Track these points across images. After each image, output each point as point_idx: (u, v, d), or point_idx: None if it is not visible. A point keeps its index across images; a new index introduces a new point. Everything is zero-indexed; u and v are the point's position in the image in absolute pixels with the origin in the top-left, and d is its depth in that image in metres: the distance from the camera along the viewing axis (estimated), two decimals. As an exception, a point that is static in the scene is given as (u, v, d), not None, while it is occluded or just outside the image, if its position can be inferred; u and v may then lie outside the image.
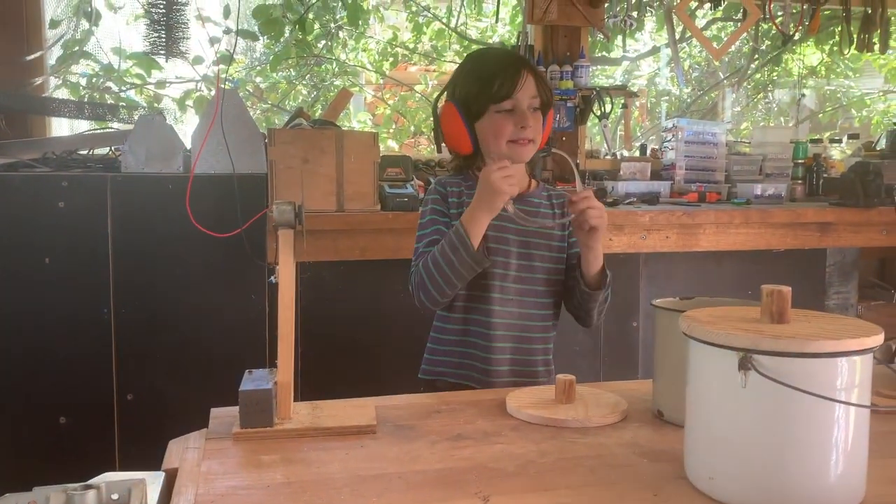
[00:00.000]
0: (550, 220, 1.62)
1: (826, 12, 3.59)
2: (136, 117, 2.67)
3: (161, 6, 2.70)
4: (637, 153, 3.50)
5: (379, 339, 2.42)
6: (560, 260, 1.62)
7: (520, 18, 4.69)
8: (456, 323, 1.58)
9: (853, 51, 3.50)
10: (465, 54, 5.87)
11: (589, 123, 3.35)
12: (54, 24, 3.45)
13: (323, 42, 5.40)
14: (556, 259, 1.62)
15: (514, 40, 3.96)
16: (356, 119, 6.34)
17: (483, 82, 1.50)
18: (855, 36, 3.41)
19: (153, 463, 1.06)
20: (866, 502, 0.88)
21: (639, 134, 6.28)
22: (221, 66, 2.80)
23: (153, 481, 0.91)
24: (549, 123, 1.59)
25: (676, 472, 0.96)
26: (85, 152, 2.58)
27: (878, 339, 0.85)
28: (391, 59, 6.12)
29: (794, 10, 3.30)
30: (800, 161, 3.19)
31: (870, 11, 3.36)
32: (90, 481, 0.81)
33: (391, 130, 6.30)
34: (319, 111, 5.47)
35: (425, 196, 1.61)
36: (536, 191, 1.64)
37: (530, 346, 1.60)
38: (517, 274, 1.57)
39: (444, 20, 5.61)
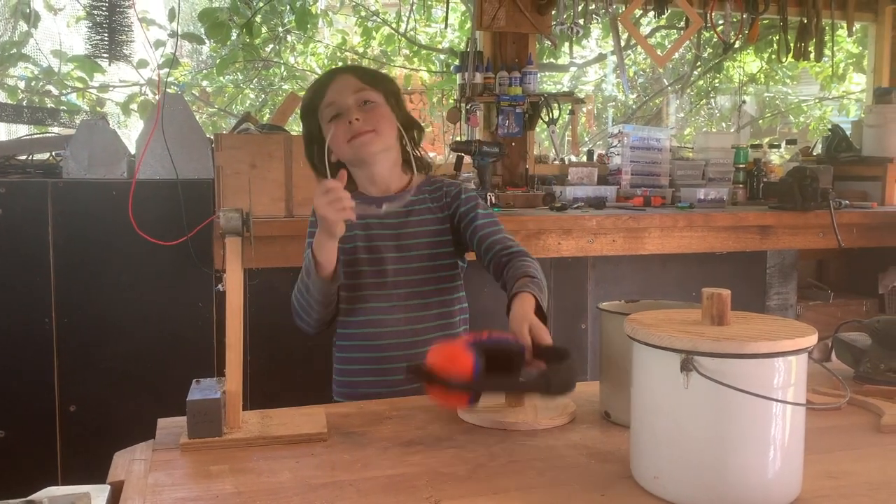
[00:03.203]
0: (429, 214, 1.54)
1: (764, 21, 3.71)
2: (77, 122, 2.61)
3: (103, 8, 2.65)
4: (584, 158, 3.55)
5: (329, 347, 2.42)
6: (446, 255, 1.54)
7: (469, 24, 4.72)
8: (349, 339, 1.54)
9: (790, 59, 3.62)
10: (414, 59, 5.91)
11: (537, 129, 3.40)
12: (-10, 25, 3.35)
13: (271, 46, 5.35)
14: (438, 255, 1.53)
15: (462, 46, 3.98)
16: (305, 123, 6.28)
17: (306, 101, 1.54)
18: (792, 44, 3.53)
19: (97, 476, 1.04)
20: (802, 496, 0.91)
21: (586, 139, 6.38)
22: (163, 71, 2.75)
23: (98, 495, 0.89)
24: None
25: (623, 473, 0.98)
26: (24, 158, 2.51)
27: (812, 340, 0.88)
28: (340, 64, 6.09)
29: (735, 19, 3.40)
30: (741, 166, 3.29)
31: (805, 21, 3.49)
32: (32, 496, 0.79)
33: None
34: (267, 115, 5.41)
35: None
36: (418, 187, 1.55)
37: (425, 349, 1.54)
38: (395, 279, 1.50)
39: (394, 25, 5.61)
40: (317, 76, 1.67)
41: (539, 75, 3.30)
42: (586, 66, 6.81)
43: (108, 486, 0.94)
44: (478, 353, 1.07)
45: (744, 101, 6.84)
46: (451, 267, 1.55)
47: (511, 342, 1.14)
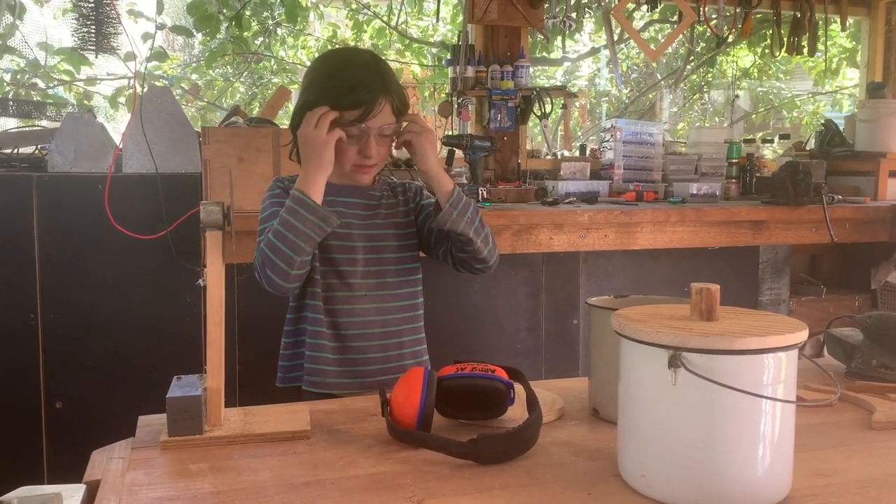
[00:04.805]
0: (397, 208, 1.55)
1: (758, 16, 3.69)
2: (64, 115, 2.58)
3: (90, 0, 2.62)
4: (577, 153, 3.53)
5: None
6: (411, 247, 1.56)
7: (460, 18, 4.69)
8: (317, 325, 1.49)
9: (784, 53, 3.61)
10: (406, 53, 5.88)
11: (530, 123, 3.37)
12: (-25, 17, 3.32)
13: (261, 39, 5.31)
14: (406, 247, 1.55)
15: (454, 39, 3.95)
16: (296, 117, 6.25)
17: (333, 100, 1.38)
18: (785, 39, 3.51)
19: (84, 473, 1.01)
20: (792, 494, 0.89)
21: (579, 134, 6.36)
22: (146, 64, 2.73)
23: (72, 495, 0.87)
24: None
25: (610, 471, 0.96)
26: (9, 151, 2.48)
27: (802, 336, 0.87)
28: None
29: (728, 14, 3.38)
30: (734, 160, 3.27)
31: (799, 15, 3.47)
32: (2, 497, 0.77)
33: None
34: (257, 109, 5.38)
35: (265, 196, 1.51)
36: (378, 185, 1.56)
37: (398, 339, 1.52)
38: (365, 269, 1.50)
39: (385, 18, 5.58)
40: (339, 63, 1.48)
41: (531, 69, 3.27)
42: (579, 60, 6.79)
43: (84, 486, 0.91)
44: (429, 396, 1.06)
45: (737, 96, 6.83)
46: (414, 259, 1.58)
47: (489, 377, 1.12)
